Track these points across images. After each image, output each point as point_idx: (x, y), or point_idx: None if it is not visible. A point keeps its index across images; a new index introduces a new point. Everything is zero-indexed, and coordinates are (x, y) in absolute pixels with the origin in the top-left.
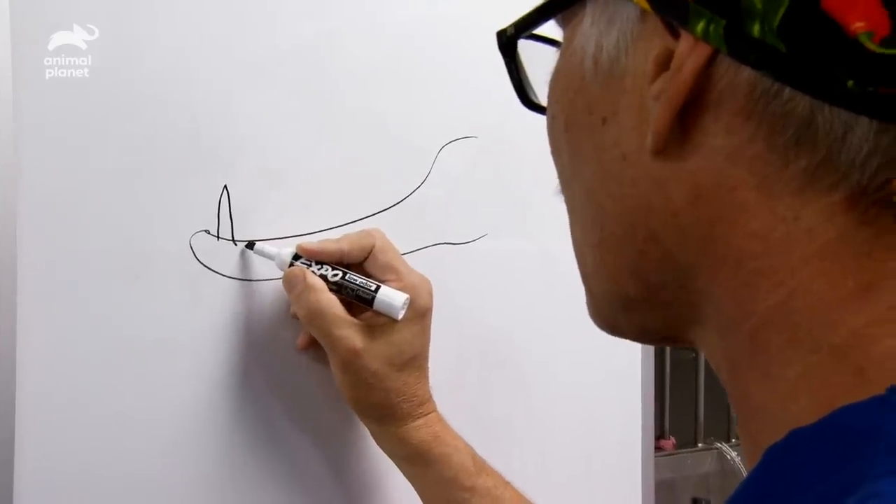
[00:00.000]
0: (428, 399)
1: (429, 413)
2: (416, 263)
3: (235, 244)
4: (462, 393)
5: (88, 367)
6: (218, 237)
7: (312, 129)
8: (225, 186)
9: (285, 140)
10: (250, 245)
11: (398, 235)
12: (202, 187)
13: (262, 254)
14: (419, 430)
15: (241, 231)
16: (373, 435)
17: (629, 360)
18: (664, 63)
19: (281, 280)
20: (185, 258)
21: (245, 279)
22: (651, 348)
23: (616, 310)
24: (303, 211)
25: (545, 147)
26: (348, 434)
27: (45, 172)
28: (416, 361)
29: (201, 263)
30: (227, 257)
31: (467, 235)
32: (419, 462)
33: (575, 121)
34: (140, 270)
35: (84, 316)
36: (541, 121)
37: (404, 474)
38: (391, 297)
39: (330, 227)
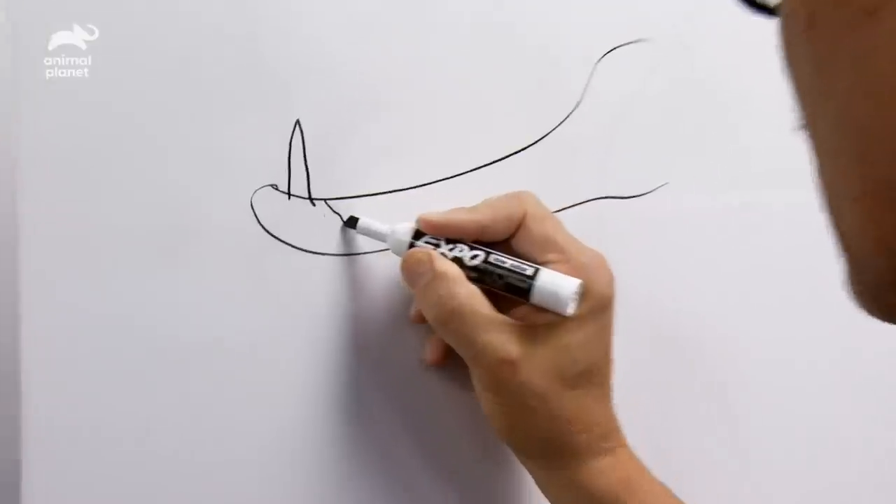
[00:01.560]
0: (614, 428)
1: (616, 447)
2: (567, 225)
3: (314, 204)
4: (631, 402)
5: (112, 381)
6: (289, 195)
7: (414, 41)
8: (297, 122)
9: (379, 60)
10: (351, 223)
11: (538, 188)
12: (263, 127)
13: (367, 233)
14: (604, 473)
15: (320, 186)
16: (535, 479)
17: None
18: None
19: (382, 251)
20: (242, 225)
21: (328, 253)
22: None
23: (892, 286)
24: (404, 156)
25: (754, 55)
26: (497, 479)
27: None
28: (594, 375)
29: (266, 231)
30: (302, 223)
31: (637, 187)
32: None
33: (824, 15)
34: (180, 247)
35: (107, 315)
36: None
37: None
38: (557, 285)
39: (442, 178)
